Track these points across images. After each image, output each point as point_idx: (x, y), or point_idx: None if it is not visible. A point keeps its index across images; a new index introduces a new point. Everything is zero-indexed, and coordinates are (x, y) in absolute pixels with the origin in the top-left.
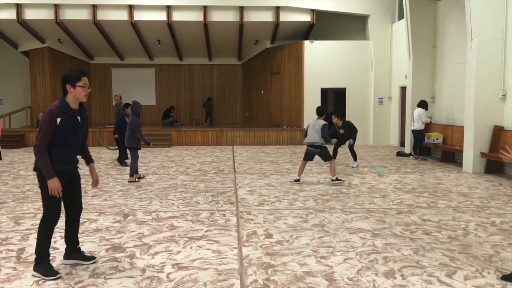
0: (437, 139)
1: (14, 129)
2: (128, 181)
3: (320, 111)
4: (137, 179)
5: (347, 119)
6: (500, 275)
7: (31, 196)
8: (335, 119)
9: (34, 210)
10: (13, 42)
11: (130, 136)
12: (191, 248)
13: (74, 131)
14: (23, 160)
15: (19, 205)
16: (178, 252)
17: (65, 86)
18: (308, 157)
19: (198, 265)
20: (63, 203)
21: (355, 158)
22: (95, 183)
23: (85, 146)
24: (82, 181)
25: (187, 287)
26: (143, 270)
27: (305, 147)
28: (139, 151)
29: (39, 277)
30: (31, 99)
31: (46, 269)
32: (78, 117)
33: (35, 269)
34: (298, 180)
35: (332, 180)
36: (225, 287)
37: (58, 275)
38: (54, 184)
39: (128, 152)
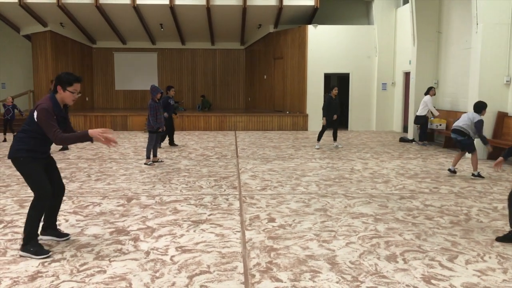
0: (440, 125)
1: (17, 113)
2: (144, 163)
3: (477, 107)
4: (152, 162)
5: (350, 105)
6: (496, 238)
7: None
8: (336, 91)
9: None
10: (15, 26)
11: (148, 120)
12: (194, 231)
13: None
14: None
15: (24, 188)
16: (182, 235)
17: (56, 86)
18: (458, 145)
19: (202, 248)
20: None
21: (335, 138)
22: (111, 139)
23: (71, 130)
24: (85, 165)
25: (191, 270)
26: (147, 253)
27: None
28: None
29: (29, 257)
30: (34, 83)
31: (36, 248)
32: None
33: (23, 249)
34: (452, 170)
35: (473, 175)
36: (228, 270)
37: (49, 254)
38: (95, 132)
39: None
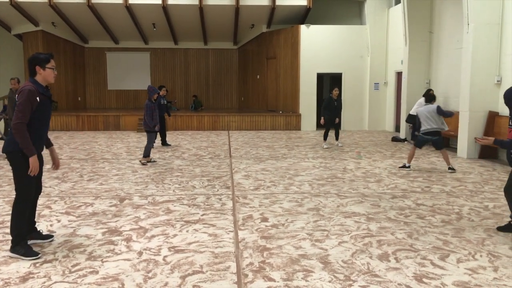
0: None
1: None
2: (140, 161)
3: (431, 97)
4: (147, 162)
5: (342, 104)
6: (497, 227)
7: None
8: (336, 91)
9: None
10: (6, 25)
11: (144, 120)
12: (187, 231)
13: (48, 112)
14: None
15: None
16: (175, 235)
17: (34, 68)
18: (420, 144)
19: (195, 248)
20: None
21: (337, 137)
22: (56, 166)
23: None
24: (77, 165)
25: (184, 270)
26: (140, 253)
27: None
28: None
29: (18, 258)
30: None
31: (25, 250)
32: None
33: (12, 251)
34: (409, 167)
35: (449, 169)
36: (221, 270)
37: (39, 255)
38: (36, 162)
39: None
